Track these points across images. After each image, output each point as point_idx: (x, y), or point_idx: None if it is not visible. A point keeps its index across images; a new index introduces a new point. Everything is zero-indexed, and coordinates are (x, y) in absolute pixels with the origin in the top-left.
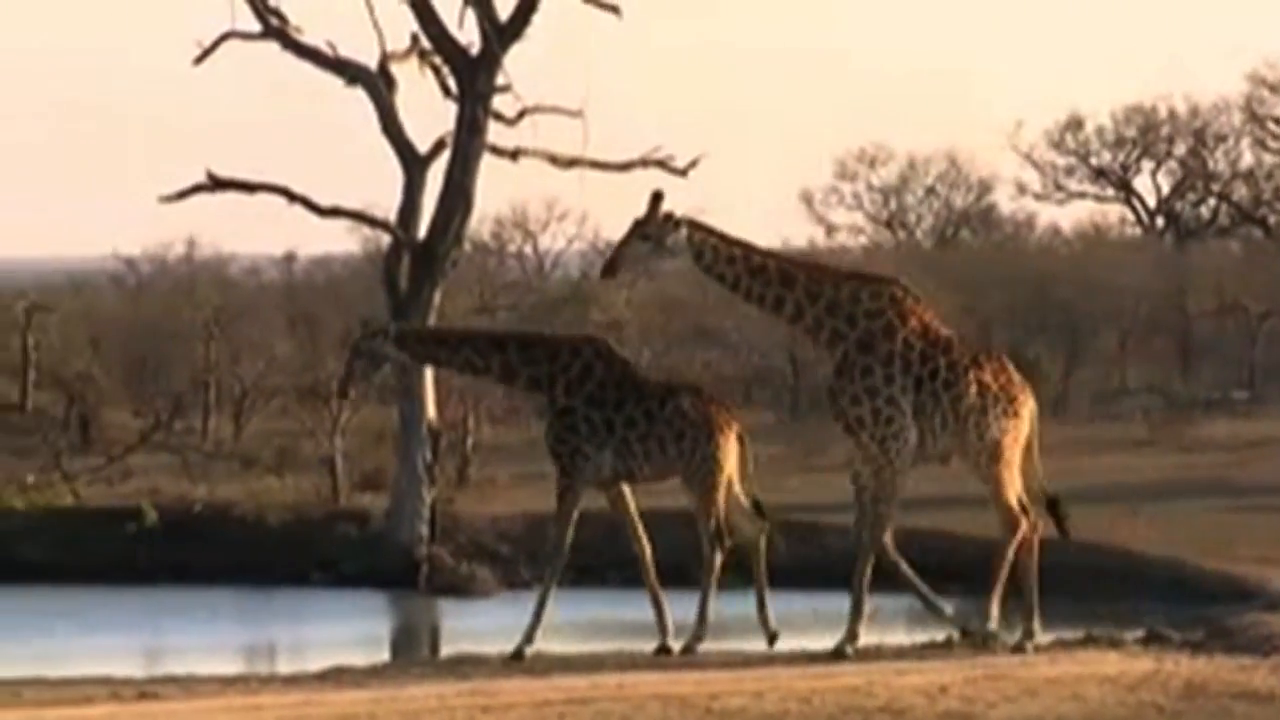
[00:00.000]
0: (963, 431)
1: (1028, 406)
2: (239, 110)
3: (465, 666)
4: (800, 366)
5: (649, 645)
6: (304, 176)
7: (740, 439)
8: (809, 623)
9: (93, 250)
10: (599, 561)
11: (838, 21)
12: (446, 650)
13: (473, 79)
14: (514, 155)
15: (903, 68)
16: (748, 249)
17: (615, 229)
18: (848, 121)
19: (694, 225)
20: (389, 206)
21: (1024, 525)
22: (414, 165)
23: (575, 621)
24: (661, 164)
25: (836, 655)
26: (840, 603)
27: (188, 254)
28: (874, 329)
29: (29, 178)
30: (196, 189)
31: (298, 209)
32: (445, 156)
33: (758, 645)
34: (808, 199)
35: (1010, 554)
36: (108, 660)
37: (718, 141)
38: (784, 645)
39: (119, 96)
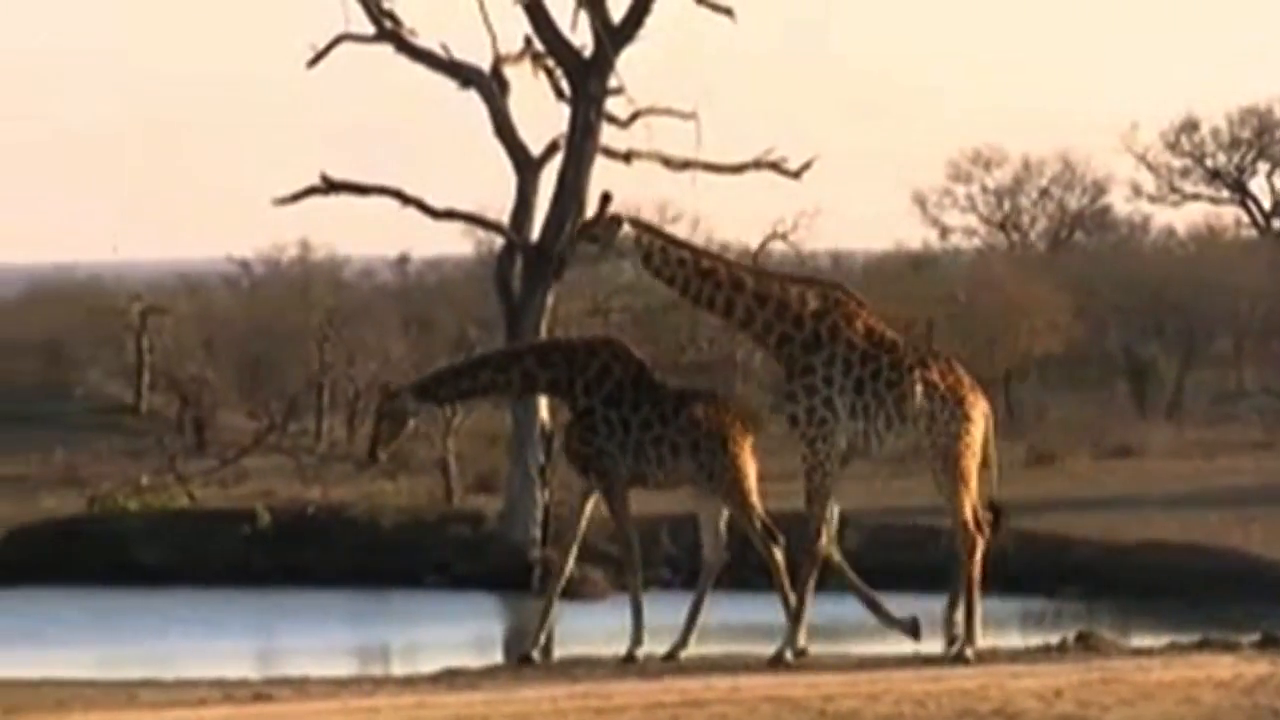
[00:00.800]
0: (914, 435)
1: (978, 409)
2: (353, 113)
3: (578, 669)
4: None
5: (763, 648)
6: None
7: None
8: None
9: (207, 252)
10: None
11: (951, 22)
12: (559, 653)
13: (586, 81)
14: (626, 157)
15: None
16: (696, 252)
17: (729, 232)
18: (961, 123)
19: (641, 226)
20: (502, 209)
21: (979, 541)
22: (527, 167)
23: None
24: (774, 166)
25: (775, 661)
26: (945, 606)
27: (301, 256)
28: (819, 330)
29: (143, 180)
30: (310, 191)
31: (411, 211)
32: (558, 159)
33: (870, 647)
34: (921, 201)
35: (977, 572)
36: (222, 662)
37: (831, 143)
38: (895, 648)
39: (234, 99)
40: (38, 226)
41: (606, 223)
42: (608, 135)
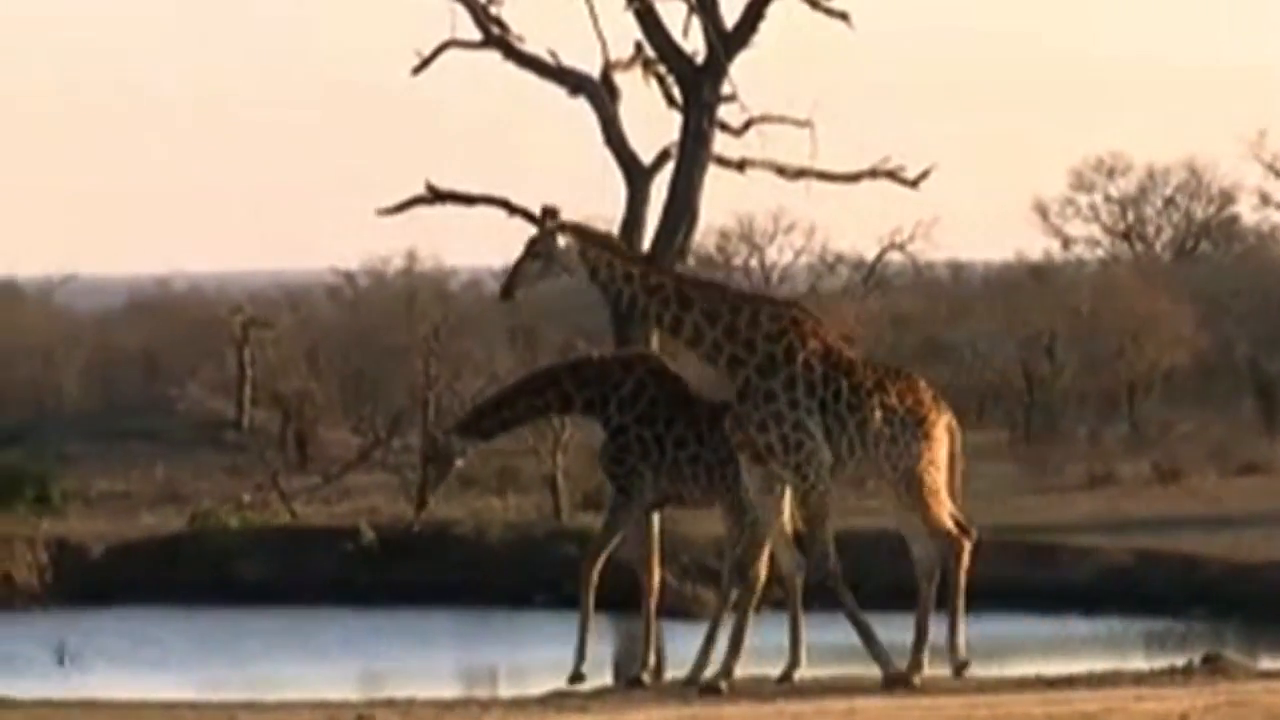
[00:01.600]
0: (875, 459)
1: (940, 426)
2: (459, 121)
3: (689, 691)
4: (1035, 383)
5: (876, 669)
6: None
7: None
8: (1044, 647)
9: (310, 263)
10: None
11: (1074, 27)
12: (671, 674)
13: (698, 88)
14: (740, 166)
15: (1140, 74)
16: (645, 267)
17: (844, 241)
18: (1084, 130)
19: (587, 240)
20: (611, 219)
21: (966, 547)
22: (637, 177)
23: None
24: (891, 174)
25: (703, 688)
26: (1077, 627)
27: (407, 267)
28: (774, 352)
29: (245, 190)
30: (416, 201)
31: (518, 221)
32: (669, 168)
33: (992, 670)
34: (1042, 210)
35: (962, 579)
36: (324, 684)
37: (950, 151)
38: (1018, 669)
39: (337, 107)
40: (138, 237)
41: (550, 238)
42: (720, 143)
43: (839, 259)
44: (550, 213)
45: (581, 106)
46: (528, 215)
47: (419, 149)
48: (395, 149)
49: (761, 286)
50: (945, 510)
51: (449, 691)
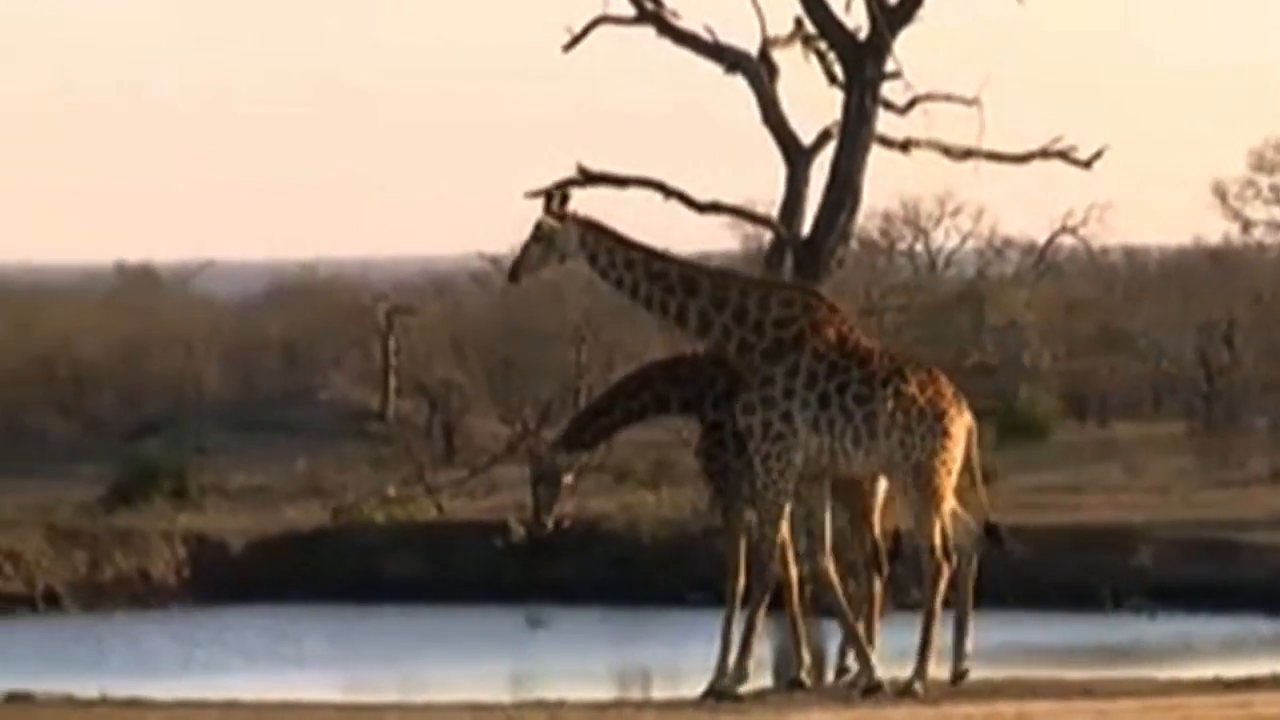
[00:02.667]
0: (884, 451)
1: (959, 423)
2: (611, 100)
3: (851, 692)
4: (1213, 372)
5: (1048, 671)
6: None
7: None
8: (1223, 647)
9: (456, 249)
10: (995, 581)
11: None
12: (830, 675)
13: (860, 65)
14: (904, 146)
15: None
16: (649, 253)
17: (1013, 225)
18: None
19: (587, 226)
20: (770, 201)
21: (945, 569)
22: (797, 157)
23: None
24: (1063, 155)
25: (714, 694)
26: (1258, 627)
27: None
28: (782, 337)
29: (387, 173)
30: (566, 183)
31: (673, 204)
32: (830, 148)
33: (1170, 671)
34: (1221, 193)
35: (938, 603)
36: (473, 684)
37: (1124, 131)
38: (1196, 671)
39: (483, 86)
40: (280, 222)
41: (552, 222)
42: (884, 123)
43: (1008, 243)
44: (550, 195)
45: (739, 85)
46: (683, 198)
47: (570, 129)
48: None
49: (926, 272)
50: (940, 524)
51: (600, 693)
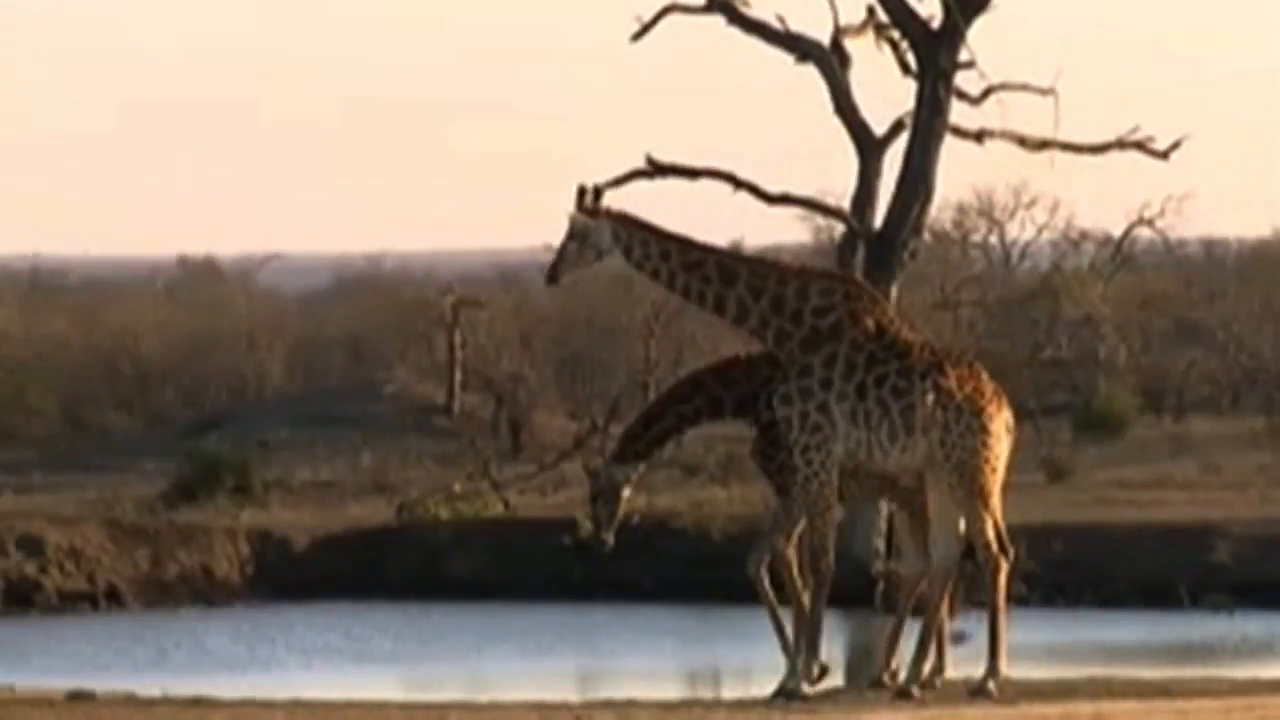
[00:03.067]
0: (926, 447)
1: (999, 420)
2: (680, 90)
3: (924, 692)
4: None
5: (1125, 670)
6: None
7: None
8: None
9: (523, 241)
10: (1072, 579)
11: None
12: (904, 675)
13: (934, 54)
14: (978, 137)
15: None
16: (683, 244)
17: (1089, 217)
18: None
19: (621, 220)
20: (842, 193)
21: (1004, 564)
22: (869, 148)
23: (1046, 643)
24: (1140, 146)
25: (784, 694)
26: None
27: None
28: (820, 327)
29: (454, 165)
30: (635, 175)
31: (744, 196)
32: (903, 139)
33: (1249, 671)
34: None
35: (1002, 598)
36: (539, 683)
37: (1203, 120)
38: (1275, 670)
39: (551, 77)
40: (345, 215)
41: (584, 218)
42: (957, 113)
43: (1084, 236)
44: (583, 191)
45: (810, 74)
46: (754, 190)
47: (638, 120)
48: (613, 120)
49: (1001, 265)
50: (992, 520)
51: (670, 692)
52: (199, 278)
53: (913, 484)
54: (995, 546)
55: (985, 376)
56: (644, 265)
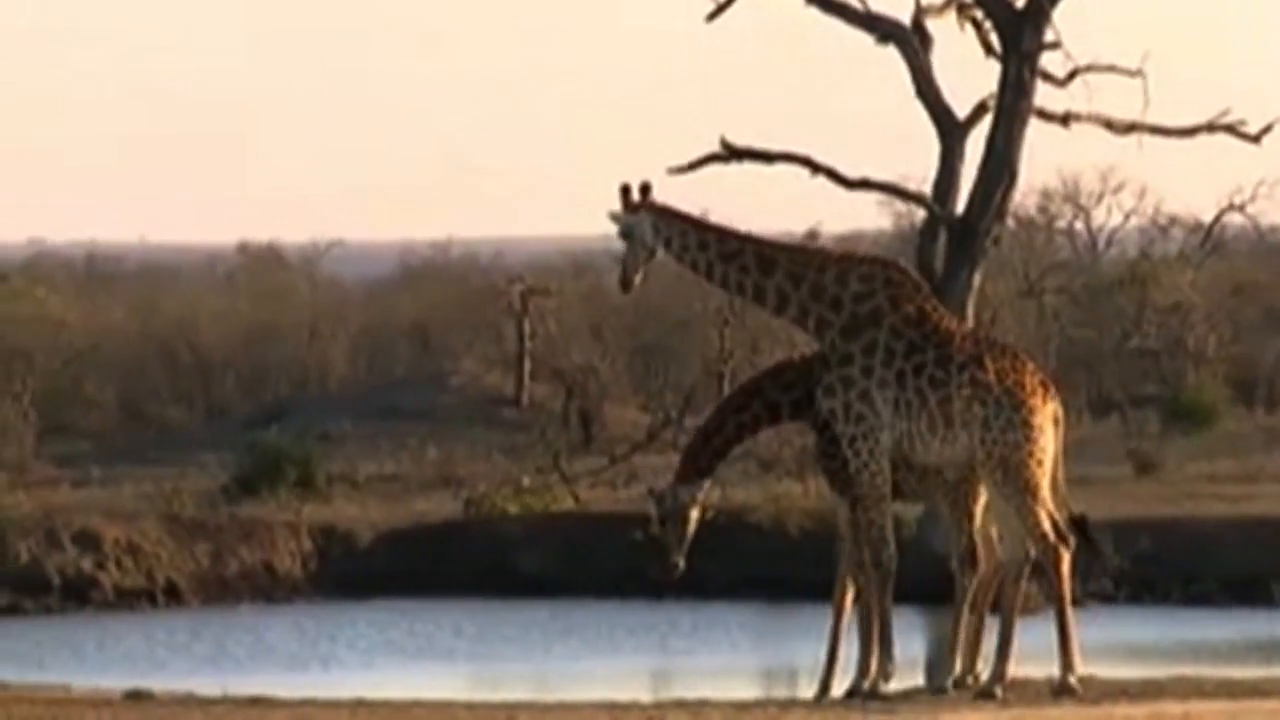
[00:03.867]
0: (966, 441)
1: (1043, 413)
2: (756, 72)
3: (1008, 692)
4: None
5: (1214, 669)
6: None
7: None
8: None
9: (595, 228)
10: (1159, 575)
11: None
12: (987, 674)
13: (1018, 35)
14: (1064, 120)
15: None
16: (721, 233)
17: (1178, 202)
18: None
19: (660, 213)
20: (923, 178)
21: (1064, 554)
22: (951, 132)
23: (1134, 642)
24: (1231, 129)
25: (856, 693)
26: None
27: None
28: (860, 314)
29: (523, 150)
30: (710, 159)
31: (822, 181)
32: (986, 122)
33: None
34: None
35: (1067, 589)
36: (610, 682)
37: None
38: None
39: (623, 59)
40: (410, 201)
41: (628, 213)
42: (1043, 95)
43: (1173, 221)
44: (628, 189)
45: (891, 56)
46: (832, 174)
47: (713, 102)
48: (687, 102)
49: (1087, 251)
50: (1045, 510)
51: (745, 692)
52: (260, 265)
53: (953, 477)
54: (1053, 536)
55: (1030, 368)
56: (684, 257)
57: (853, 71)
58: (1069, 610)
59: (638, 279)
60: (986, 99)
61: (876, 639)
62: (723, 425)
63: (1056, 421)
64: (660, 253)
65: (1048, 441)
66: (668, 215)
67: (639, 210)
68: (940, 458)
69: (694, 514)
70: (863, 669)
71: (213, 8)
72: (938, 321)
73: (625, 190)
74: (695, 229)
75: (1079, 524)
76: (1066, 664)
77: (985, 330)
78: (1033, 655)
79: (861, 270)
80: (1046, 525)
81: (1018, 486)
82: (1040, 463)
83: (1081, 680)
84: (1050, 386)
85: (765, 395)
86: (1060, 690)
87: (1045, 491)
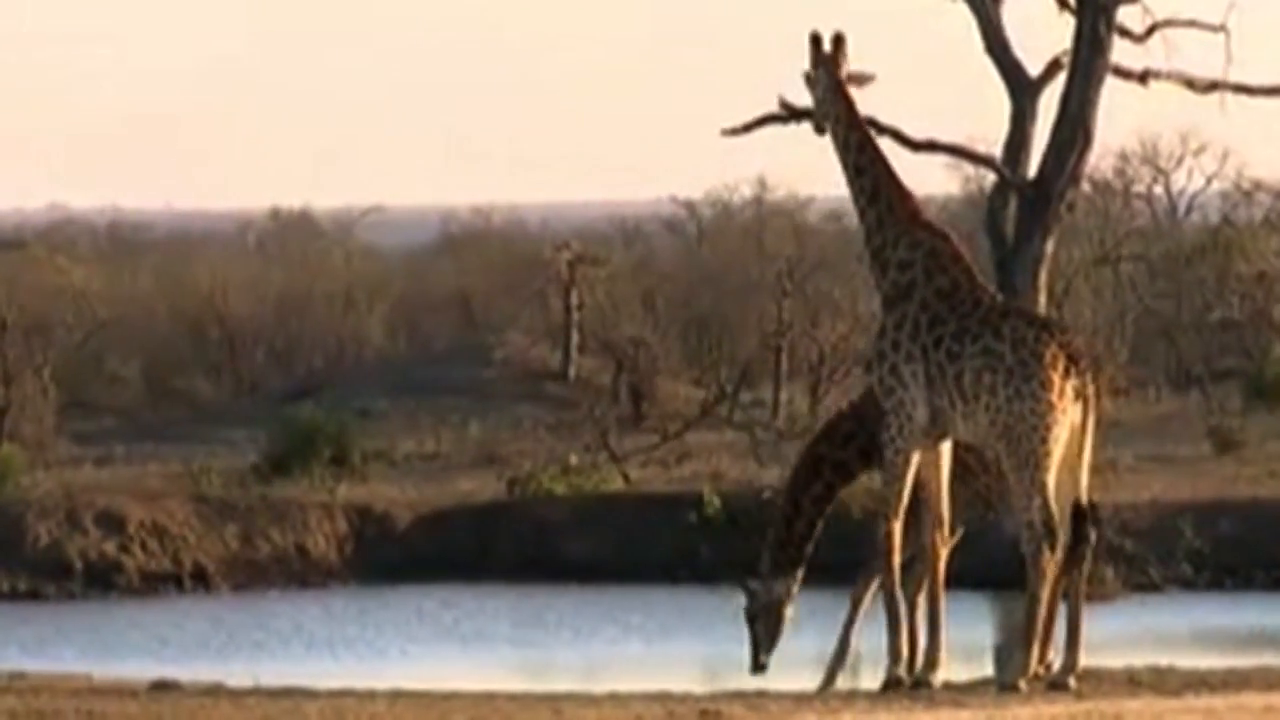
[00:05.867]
0: (983, 416)
1: (1059, 389)
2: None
3: (1082, 684)
4: None
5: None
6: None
7: None
8: None
9: (646, 193)
10: (1242, 559)
11: None
12: (1057, 663)
13: None
14: (1142, 78)
15: None
16: (863, 142)
17: (1262, 165)
18: None
19: (836, 83)
20: (993, 140)
21: (1045, 553)
22: (1023, 91)
23: (1215, 630)
24: None
25: (887, 686)
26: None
27: (756, 197)
28: (899, 283)
29: (570, 112)
30: (767, 120)
31: (886, 142)
32: (1060, 80)
33: None
34: None
35: (1042, 591)
36: (662, 672)
37: None
38: None
39: (675, 15)
40: (452, 164)
41: (819, 66)
42: (1119, 52)
43: (1257, 186)
44: (836, 40)
45: (959, 10)
46: (897, 136)
47: (770, 60)
48: (742, 61)
49: (1167, 217)
50: (1042, 497)
51: (804, 682)
52: (293, 232)
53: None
54: (1040, 527)
55: (1053, 341)
56: (834, 142)
57: (919, 27)
58: (1040, 608)
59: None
60: (1060, 56)
61: (923, 628)
62: (799, 507)
63: (1082, 398)
64: (816, 118)
65: (1062, 417)
66: (840, 91)
67: (819, 66)
68: (970, 435)
69: (789, 611)
70: (895, 654)
71: None
72: (967, 293)
73: (816, 39)
74: (851, 121)
75: (1081, 515)
76: (1023, 664)
77: (1056, 301)
78: (1109, 644)
79: (911, 238)
80: (1037, 515)
81: (1019, 460)
82: (1046, 439)
83: (1159, 672)
84: (1080, 361)
85: (830, 459)
86: (1003, 687)
87: (1050, 473)
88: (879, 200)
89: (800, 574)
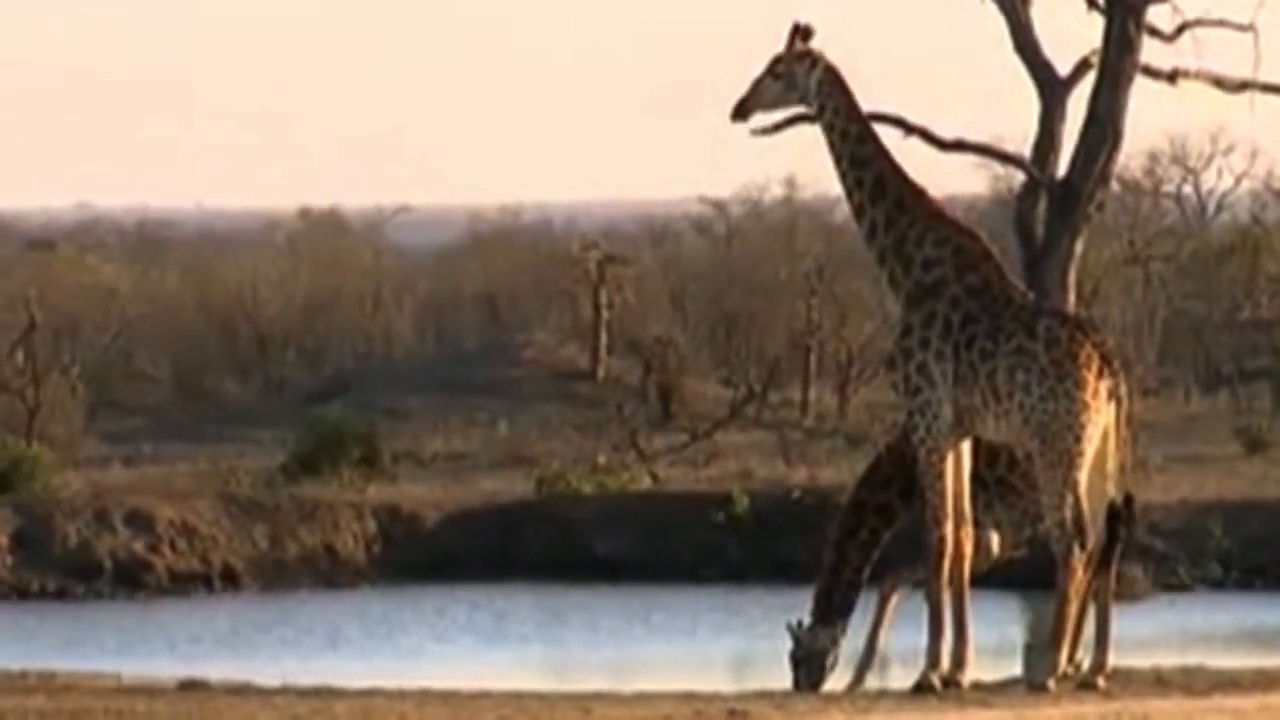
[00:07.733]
0: (1015, 417)
1: (1092, 389)
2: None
3: (1110, 684)
4: None
5: None
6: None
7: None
8: None
9: (675, 192)
10: (1271, 559)
11: None
12: (1086, 663)
13: None
14: (1171, 77)
15: None
16: (865, 134)
17: None
18: None
19: (831, 75)
20: (1022, 139)
21: (1076, 549)
22: (1052, 90)
23: (1244, 629)
24: None
25: (919, 689)
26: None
27: (786, 196)
28: (925, 281)
29: (597, 112)
30: (797, 119)
31: (915, 142)
32: (1089, 79)
33: None
34: None
35: (1072, 591)
36: (692, 671)
37: None
38: None
39: (700, 8)
40: (480, 164)
41: (797, 58)
42: (1149, 51)
43: None
44: (804, 32)
45: (988, 9)
46: (926, 135)
47: None
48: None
49: (1196, 216)
50: (1073, 497)
51: (832, 682)
52: (322, 231)
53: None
54: (1071, 527)
55: (1087, 341)
56: (830, 133)
57: (948, 26)
58: (1070, 607)
59: (762, 119)
60: (1089, 55)
61: (947, 628)
62: (845, 555)
63: (1116, 398)
64: (809, 112)
65: (1095, 417)
66: (837, 81)
67: (806, 58)
68: (1002, 434)
69: (831, 661)
70: (933, 658)
71: None
72: (999, 292)
73: (796, 29)
74: (852, 118)
75: (1116, 515)
76: (1052, 664)
77: (1084, 301)
78: (1138, 644)
79: (938, 234)
80: (1068, 514)
81: (1051, 460)
82: (1079, 438)
83: (1191, 671)
84: (1113, 361)
85: (871, 503)
86: (1031, 686)
87: (1082, 473)
88: (884, 196)
89: (840, 624)
